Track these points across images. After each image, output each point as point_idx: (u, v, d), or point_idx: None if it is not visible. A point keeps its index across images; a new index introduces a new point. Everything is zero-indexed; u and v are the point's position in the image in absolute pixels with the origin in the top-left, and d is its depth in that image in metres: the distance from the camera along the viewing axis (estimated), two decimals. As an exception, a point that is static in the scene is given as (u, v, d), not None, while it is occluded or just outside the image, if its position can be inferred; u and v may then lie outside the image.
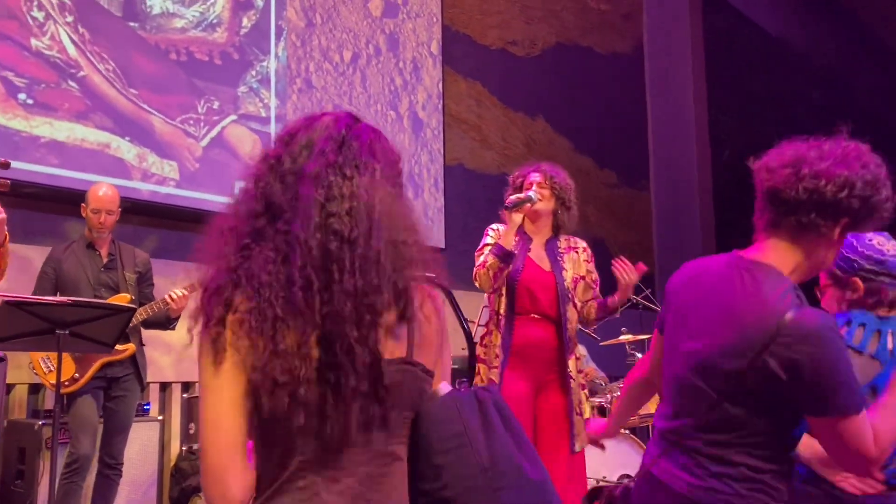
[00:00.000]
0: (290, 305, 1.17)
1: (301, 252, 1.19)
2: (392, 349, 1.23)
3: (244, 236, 1.23)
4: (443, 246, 6.36)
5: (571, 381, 3.25)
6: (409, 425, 1.27)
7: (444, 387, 1.31)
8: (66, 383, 3.67)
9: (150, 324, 3.92)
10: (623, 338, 5.07)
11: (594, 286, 3.43)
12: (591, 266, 3.47)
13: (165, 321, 3.91)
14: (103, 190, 3.90)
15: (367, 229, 1.21)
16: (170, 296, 3.79)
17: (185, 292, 3.80)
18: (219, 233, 1.26)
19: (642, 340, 5.10)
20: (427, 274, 1.32)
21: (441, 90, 6.89)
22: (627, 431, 4.51)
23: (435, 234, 6.41)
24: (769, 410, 1.63)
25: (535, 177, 3.41)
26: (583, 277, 3.39)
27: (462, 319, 1.38)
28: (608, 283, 3.44)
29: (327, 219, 1.21)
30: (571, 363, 3.28)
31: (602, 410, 4.74)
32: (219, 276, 1.22)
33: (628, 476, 4.33)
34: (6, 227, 3.02)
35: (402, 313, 1.24)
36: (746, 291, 1.66)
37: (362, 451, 1.21)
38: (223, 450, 1.17)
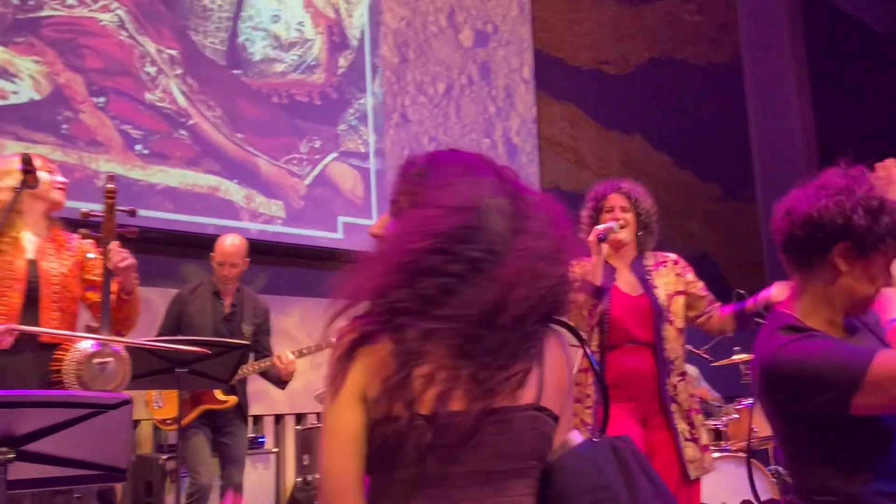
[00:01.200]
0: (444, 345, 1.15)
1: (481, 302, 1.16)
2: (525, 394, 1.19)
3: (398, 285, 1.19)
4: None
5: (674, 404, 3.04)
6: (535, 476, 1.20)
7: (575, 436, 1.24)
8: (169, 422, 3.87)
9: (265, 376, 4.01)
10: (736, 357, 4.88)
11: (704, 292, 3.17)
12: (691, 275, 3.22)
13: (277, 381, 3.97)
14: (229, 240, 3.93)
15: (536, 275, 1.19)
16: (279, 357, 3.86)
17: (294, 357, 3.83)
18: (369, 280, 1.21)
19: (757, 359, 4.90)
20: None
21: (535, 114, 6.90)
22: (745, 455, 4.32)
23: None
24: (808, 453, 1.65)
25: (618, 200, 3.19)
26: (680, 292, 3.15)
27: (592, 360, 1.34)
28: (716, 295, 3.27)
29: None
30: (672, 386, 3.06)
31: (718, 434, 4.56)
32: (368, 320, 1.20)
33: (749, 502, 4.15)
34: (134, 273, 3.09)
35: (535, 356, 1.21)
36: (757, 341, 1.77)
37: (482, 501, 1.15)
38: (338, 492, 1.17)
